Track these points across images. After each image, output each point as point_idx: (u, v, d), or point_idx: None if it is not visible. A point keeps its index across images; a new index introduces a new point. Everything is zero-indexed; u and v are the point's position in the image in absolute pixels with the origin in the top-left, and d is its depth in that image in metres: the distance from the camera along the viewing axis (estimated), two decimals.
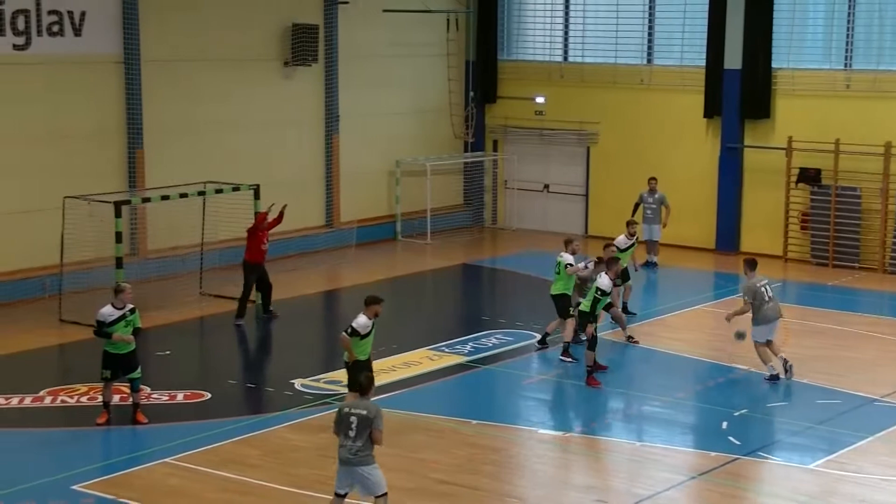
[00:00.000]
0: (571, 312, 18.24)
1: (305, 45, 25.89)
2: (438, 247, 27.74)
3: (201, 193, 21.67)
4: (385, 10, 27.46)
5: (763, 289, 17.18)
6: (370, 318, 14.78)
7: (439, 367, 18.00)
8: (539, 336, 19.09)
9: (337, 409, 11.73)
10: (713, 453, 14.51)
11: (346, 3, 26.87)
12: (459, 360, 18.39)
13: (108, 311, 15.10)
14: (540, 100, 29.41)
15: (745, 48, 26.29)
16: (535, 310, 21.27)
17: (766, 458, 14.50)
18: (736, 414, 15.96)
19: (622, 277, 20.95)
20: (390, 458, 14.16)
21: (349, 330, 14.74)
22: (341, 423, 11.48)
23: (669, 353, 19.01)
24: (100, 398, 15.69)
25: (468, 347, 19.08)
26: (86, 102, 22.69)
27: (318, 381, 17.32)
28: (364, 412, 11.39)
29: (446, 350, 18.88)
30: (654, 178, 24.70)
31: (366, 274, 24.72)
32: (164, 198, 20.99)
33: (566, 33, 29.38)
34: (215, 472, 13.72)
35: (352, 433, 11.36)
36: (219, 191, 21.76)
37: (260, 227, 20.32)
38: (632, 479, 13.95)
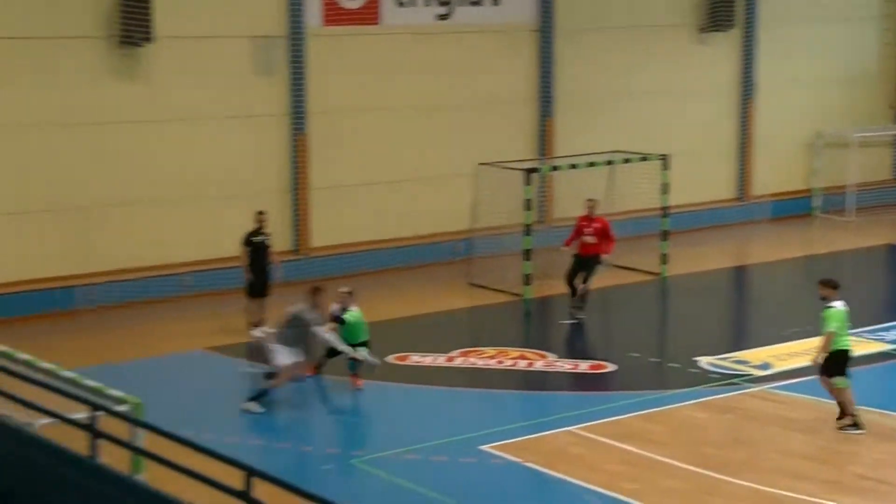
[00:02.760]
0: None
1: (722, 10, 24.97)
2: (862, 225, 25.86)
3: (609, 163, 21.47)
4: None
5: None
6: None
7: (859, 354, 16.61)
8: None
9: None
10: None
11: None
12: (882, 348, 17.08)
13: None
14: None
15: None
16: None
17: None
18: None
19: None
20: (807, 447, 13.39)
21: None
22: None
23: None
24: (506, 361, 15.88)
25: (892, 335, 17.61)
26: (501, 71, 23.13)
27: (725, 359, 16.65)
28: None
29: (867, 336, 17.47)
30: None
31: (778, 250, 23.59)
32: (573, 166, 20.98)
33: None
34: (618, 444, 13.49)
35: None
36: (627, 160, 21.48)
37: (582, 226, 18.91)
38: None
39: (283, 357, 14.55)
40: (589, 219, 18.71)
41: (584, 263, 18.67)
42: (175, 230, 19.78)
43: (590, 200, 18.87)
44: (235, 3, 20.20)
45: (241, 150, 20.50)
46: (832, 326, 13.81)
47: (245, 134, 20.50)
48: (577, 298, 18.63)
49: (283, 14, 20.52)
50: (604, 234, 18.64)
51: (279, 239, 19.44)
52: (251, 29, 20.39)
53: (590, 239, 18.60)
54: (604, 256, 18.59)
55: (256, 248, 17.45)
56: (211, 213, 20.08)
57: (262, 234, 17.56)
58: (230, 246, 18.27)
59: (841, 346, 13.83)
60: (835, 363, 13.83)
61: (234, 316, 17.92)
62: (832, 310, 13.85)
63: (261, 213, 17.70)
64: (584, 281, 18.65)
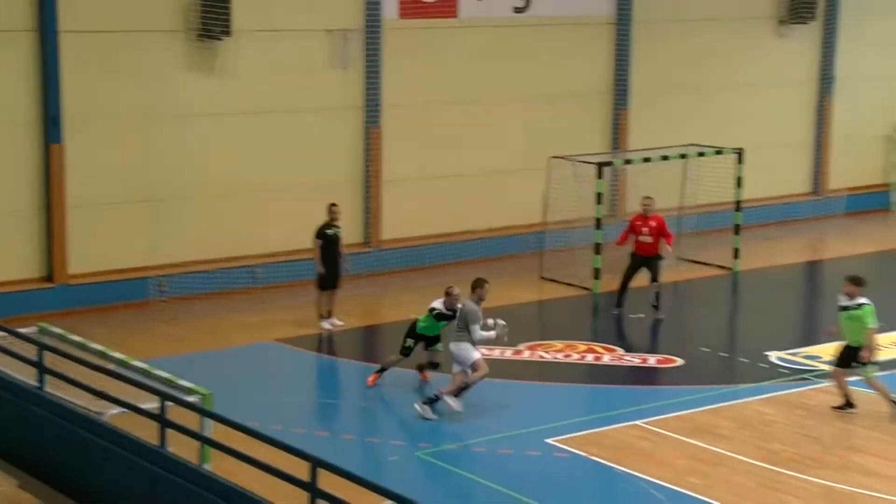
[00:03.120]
0: None
1: (804, 2, 24.59)
2: None
3: (683, 156, 21.32)
4: None
5: None
6: None
7: None
8: None
9: None
10: None
11: None
12: None
13: None
14: None
15: None
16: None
17: None
18: None
19: None
20: (876, 444, 13.24)
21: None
22: None
23: None
24: (574, 355, 15.88)
25: None
26: (576, 63, 23.05)
27: (795, 355, 16.52)
28: None
29: None
30: None
31: (853, 246, 23.20)
32: (646, 160, 20.87)
33: None
34: (685, 439, 13.47)
35: None
36: (701, 154, 21.32)
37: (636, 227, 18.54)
38: None
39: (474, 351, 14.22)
40: (644, 217, 18.39)
41: (645, 263, 18.39)
42: (248, 222, 20.01)
43: (646, 199, 18.54)
44: None
45: (315, 143, 20.69)
46: (874, 323, 13.98)
47: (319, 127, 20.68)
48: (652, 298, 18.46)
49: (360, 7, 20.67)
50: (660, 232, 18.33)
51: (350, 231, 19.60)
52: (328, 22, 20.55)
53: (646, 238, 18.27)
54: (668, 249, 18.31)
55: (329, 240, 17.62)
56: (284, 205, 20.29)
57: (335, 226, 17.74)
58: (303, 238, 18.50)
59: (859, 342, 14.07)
60: (851, 357, 14.14)
61: (306, 308, 18.14)
62: (869, 307, 13.99)
63: (333, 205, 17.87)
64: (653, 280, 18.44)
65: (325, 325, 17.71)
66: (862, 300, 14.08)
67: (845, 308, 14.22)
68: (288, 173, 20.43)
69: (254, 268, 19.91)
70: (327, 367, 16.91)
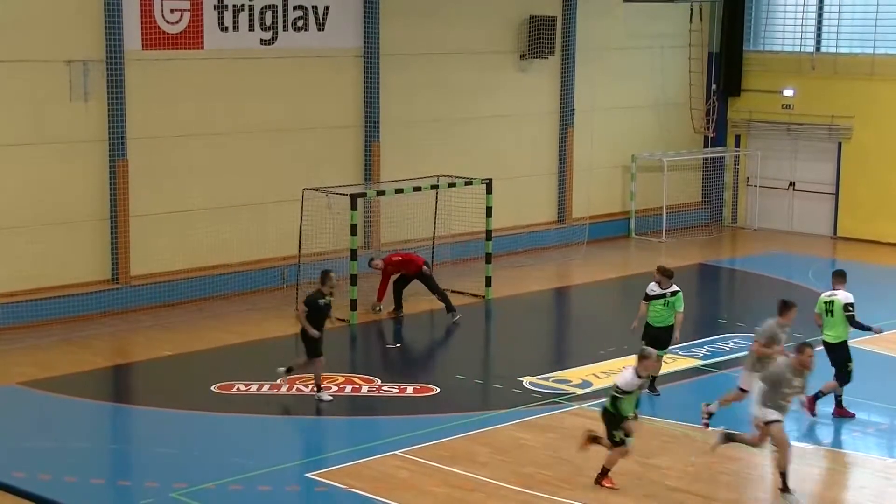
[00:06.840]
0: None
1: (542, 38, 25.60)
2: (674, 245, 26.93)
3: (434, 187, 21.71)
4: (626, 1, 26.85)
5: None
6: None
7: (672, 370, 17.33)
8: None
9: None
10: None
11: None
12: (694, 364, 17.70)
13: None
14: (788, 93, 28.14)
15: None
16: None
17: None
18: None
19: None
20: (624, 463, 13.72)
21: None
22: None
23: None
24: (332, 387, 15.76)
25: (703, 351, 18.33)
26: (326, 96, 23.12)
27: (546, 379, 16.98)
28: None
29: (680, 353, 18.14)
30: None
31: (597, 272, 24.20)
32: (398, 191, 21.13)
33: (819, 22, 28.01)
34: (444, 466, 13.60)
35: None
36: (451, 185, 21.76)
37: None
38: (879, 497, 13.03)
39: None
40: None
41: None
42: None
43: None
44: (51, 27, 19.61)
45: (56, 177, 19.83)
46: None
47: (60, 160, 19.82)
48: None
49: (100, 38, 20.03)
50: None
51: (97, 268, 18.93)
52: (67, 53, 19.81)
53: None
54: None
55: (319, 309, 15.96)
56: (23, 242, 19.35)
57: (328, 297, 16.07)
58: (46, 276, 17.67)
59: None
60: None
61: (48, 349, 17.37)
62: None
63: (329, 272, 16.20)
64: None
65: (325, 396, 15.98)
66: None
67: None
68: (26, 209, 19.49)
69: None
70: (74, 410, 16.15)
